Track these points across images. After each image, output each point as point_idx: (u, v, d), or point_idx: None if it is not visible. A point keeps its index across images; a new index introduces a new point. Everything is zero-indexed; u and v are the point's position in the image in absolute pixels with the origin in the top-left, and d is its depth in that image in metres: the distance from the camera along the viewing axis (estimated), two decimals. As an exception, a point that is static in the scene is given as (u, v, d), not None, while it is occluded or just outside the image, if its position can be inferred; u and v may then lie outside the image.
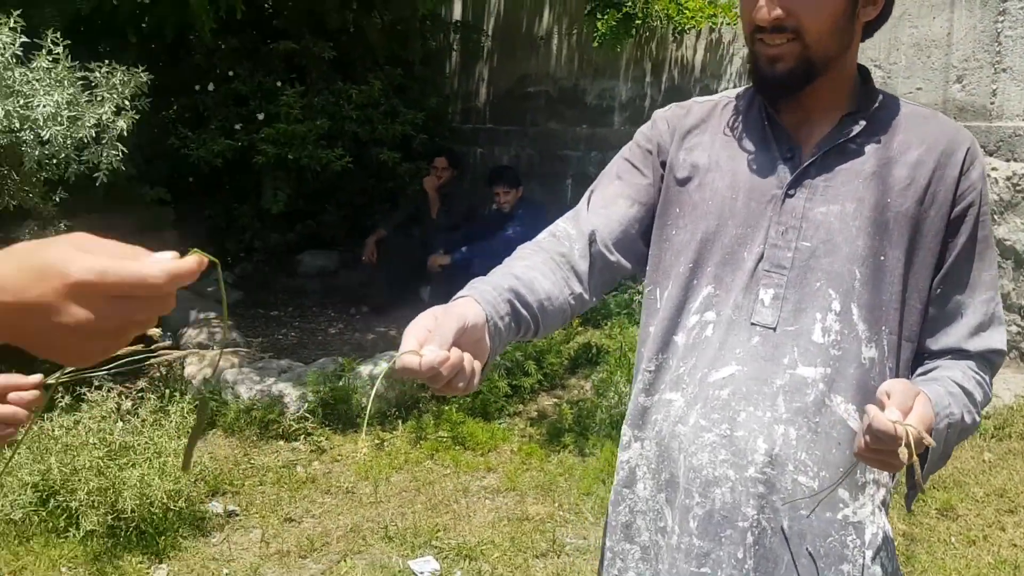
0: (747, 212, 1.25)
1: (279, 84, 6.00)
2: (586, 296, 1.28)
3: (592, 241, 1.30)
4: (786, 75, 1.20)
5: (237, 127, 5.91)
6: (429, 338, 0.98)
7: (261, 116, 5.89)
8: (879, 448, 1.02)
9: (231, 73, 5.99)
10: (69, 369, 1.12)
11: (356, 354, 4.84)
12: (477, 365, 1.01)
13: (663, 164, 1.35)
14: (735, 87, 1.46)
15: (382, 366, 4.29)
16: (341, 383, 4.14)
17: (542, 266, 1.23)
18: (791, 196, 1.23)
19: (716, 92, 1.45)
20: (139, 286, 0.66)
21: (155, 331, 1.09)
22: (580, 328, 4.89)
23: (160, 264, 0.66)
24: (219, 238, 6.35)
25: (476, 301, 1.08)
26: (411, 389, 4.25)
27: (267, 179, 5.91)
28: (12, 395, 1.16)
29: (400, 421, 4.14)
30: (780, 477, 1.19)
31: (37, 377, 1.18)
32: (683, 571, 1.24)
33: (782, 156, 1.25)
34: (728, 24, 4.67)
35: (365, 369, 4.27)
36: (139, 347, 1.15)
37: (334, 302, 6.11)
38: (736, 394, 1.22)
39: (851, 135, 1.24)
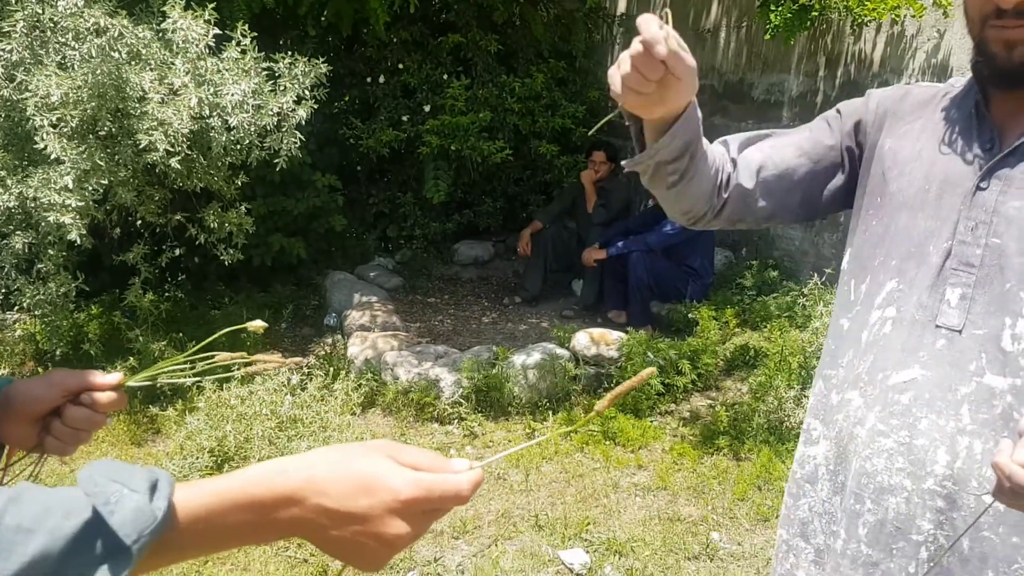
0: (939, 205, 1.18)
1: (446, 77, 6.15)
2: (723, 193, 1.31)
3: (739, 165, 1.34)
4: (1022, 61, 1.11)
5: (404, 118, 6.11)
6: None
7: (427, 108, 6.05)
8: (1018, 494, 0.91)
9: (400, 65, 6.19)
10: (150, 371, 1.03)
11: (509, 343, 4.90)
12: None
13: (859, 144, 1.32)
14: (917, 82, 1.38)
15: (535, 356, 4.32)
16: (495, 371, 4.20)
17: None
18: (983, 189, 1.15)
19: (896, 86, 1.38)
20: (455, 500, 0.69)
21: (259, 325, 1.09)
22: (737, 329, 4.75)
23: (467, 477, 0.70)
24: (382, 224, 6.60)
25: None
26: (563, 381, 4.26)
27: (429, 169, 6.07)
28: (85, 396, 1.00)
29: (551, 412, 4.16)
30: (962, 494, 1.11)
31: (117, 376, 1.02)
32: None
33: (981, 147, 1.17)
34: (912, 16, 4.38)
35: (518, 359, 4.31)
36: (239, 354, 1.09)
37: (487, 291, 6.21)
38: (918, 400, 1.15)
39: None
